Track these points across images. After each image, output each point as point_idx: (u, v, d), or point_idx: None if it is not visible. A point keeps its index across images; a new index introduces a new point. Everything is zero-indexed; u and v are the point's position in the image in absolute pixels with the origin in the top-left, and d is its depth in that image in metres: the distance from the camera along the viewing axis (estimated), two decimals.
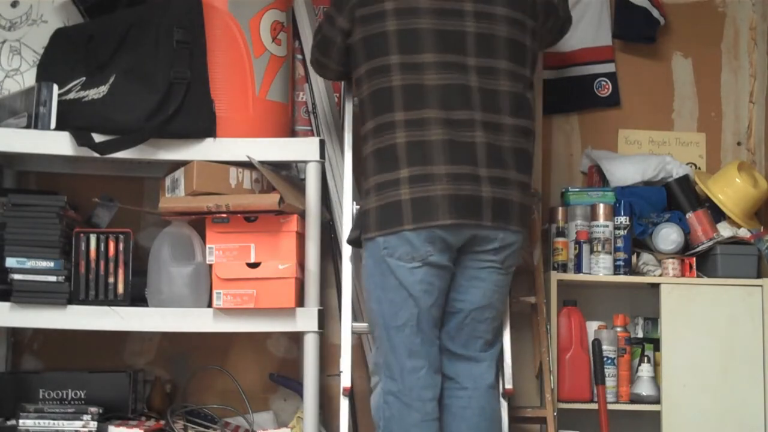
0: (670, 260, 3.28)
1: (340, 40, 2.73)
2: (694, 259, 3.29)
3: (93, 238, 2.88)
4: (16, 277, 2.80)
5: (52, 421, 2.82)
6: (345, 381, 2.79)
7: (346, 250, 2.90)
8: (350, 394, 3.08)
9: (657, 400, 3.23)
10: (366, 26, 2.65)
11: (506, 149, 2.63)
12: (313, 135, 3.28)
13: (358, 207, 2.78)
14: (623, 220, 3.29)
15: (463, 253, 2.63)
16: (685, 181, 3.40)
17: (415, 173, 2.55)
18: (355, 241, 2.72)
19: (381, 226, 2.59)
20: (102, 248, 2.87)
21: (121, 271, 2.88)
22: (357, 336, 3.23)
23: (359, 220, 2.70)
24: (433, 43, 2.60)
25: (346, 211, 2.92)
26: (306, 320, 2.85)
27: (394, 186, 2.57)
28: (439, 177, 2.55)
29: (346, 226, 2.89)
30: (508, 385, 2.93)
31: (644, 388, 3.26)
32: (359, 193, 2.84)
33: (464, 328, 2.68)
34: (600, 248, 3.28)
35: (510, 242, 2.65)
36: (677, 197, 3.38)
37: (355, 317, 2.93)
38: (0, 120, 2.91)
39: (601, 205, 3.31)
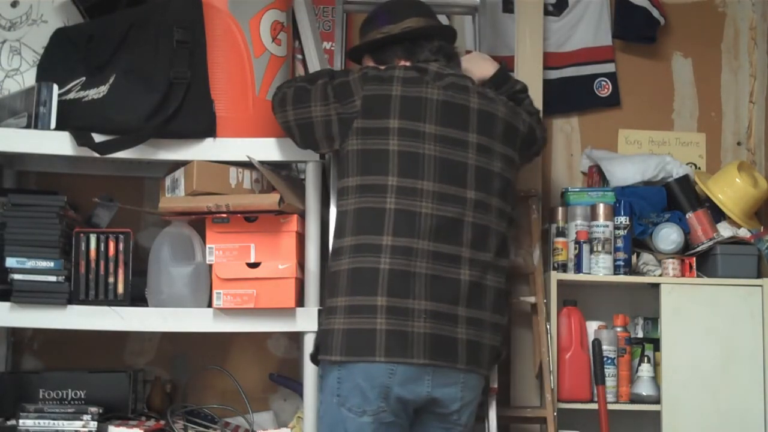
0: (670, 260, 3.28)
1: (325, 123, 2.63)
2: (694, 259, 3.29)
3: (93, 238, 2.88)
4: (16, 277, 2.80)
5: (52, 421, 2.82)
6: None
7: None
8: None
9: (657, 400, 3.23)
10: (365, 139, 2.57)
11: (488, 288, 2.58)
12: None
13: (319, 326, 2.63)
14: (623, 220, 3.29)
15: (423, 413, 2.55)
16: (685, 181, 3.40)
17: (394, 304, 2.47)
18: (314, 359, 2.61)
19: (349, 352, 2.47)
20: (102, 248, 2.87)
21: (121, 271, 2.88)
22: None
23: (318, 339, 2.58)
24: (435, 170, 2.55)
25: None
26: (306, 320, 2.85)
27: (370, 313, 2.46)
28: (419, 312, 2.47)
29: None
30: (494, 384, 2.94)
31: (644, 388, 3.26)
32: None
33: None
34: (600, 248, 3.28)
35: (470, 399, 2.58)
36: (677, 197, 3.38)
37: None
38: (0, 120, 2.91)
39: (601, 205, 3.31)
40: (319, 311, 2.87)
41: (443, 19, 3.48)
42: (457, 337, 2.51)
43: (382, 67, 2.68)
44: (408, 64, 2.71)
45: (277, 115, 2.75)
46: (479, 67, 2.89)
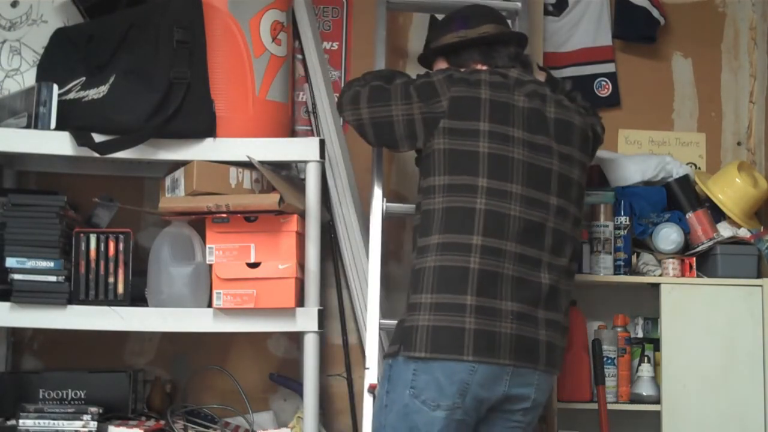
0: (670, 260, 3.28)
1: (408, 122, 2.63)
2: (694, 259, 3.29)
3: (93, 238, 2.88)
4: (16, 277, 2.80)
5: (52, 421, 2.82)
6: (371, 377, 2.77)
7: (375, 245, 2.88)
8: (351, 394, 3.08)
9: (657, 400, 3.23)
10: (454, 139, 2.57)
11: (562, 292, 2.60)
12: (313, 135, 3.28)
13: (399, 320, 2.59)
14: (623, 220, 3.29)
15: (492, 412, 2.55)
16: (685, 181, 3.40)
17: (483, 304, 2.47)
18: (393, 354, 2.55)
19: (434, 349, 2.46)
20: (102, 248, 2.87)
21: (121, 271, 2.88)
22: (356, 335, 3.23)
23: (401, 335, 2.53)
24: (523, 175, 2.56)
25: (375, 210, 2.90)
26: (306, 320, 2.85)
27: (458, 311, 2.46)
28: (506, 313, 2.49)
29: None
30: None
31: (644, 388, 3.26)
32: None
33: None
34: (600, 248, 3.28)
35: (540, 402, 2.59)
36: (677, 197, 3.38)
37: (355, 318, 2.92)
38: (0, 120, 2.91)
39: (601, 205, 3.31)
40: (320, 311, 2.87)
41: None
42: (539, 339, 2.53)
43: (463, 70, 2.67)
44: (485, 68, 2.70)
45: (347, 112, 2.74)
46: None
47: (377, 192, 2.93)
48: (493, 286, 2.49)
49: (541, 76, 2.85)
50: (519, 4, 3.22)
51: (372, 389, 2.75)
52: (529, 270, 2.53)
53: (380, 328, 2.84)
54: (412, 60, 3.32)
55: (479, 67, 2.71)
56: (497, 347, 2.46)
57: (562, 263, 2.60)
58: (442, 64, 2.79)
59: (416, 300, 2.51)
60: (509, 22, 3.32)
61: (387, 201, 2.94)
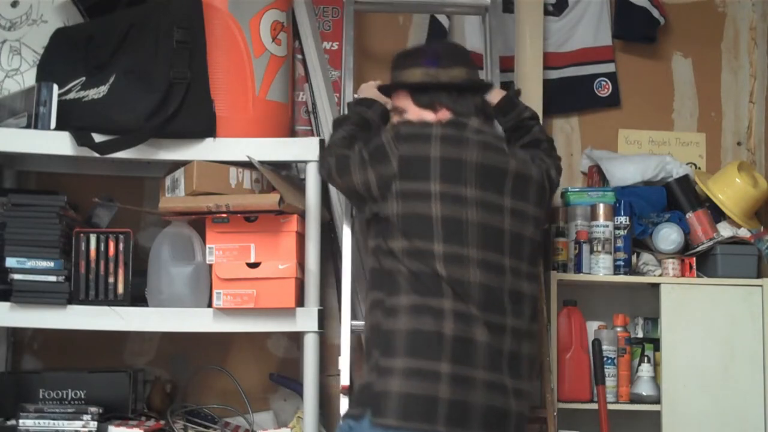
0: (670, 260, 3.28)
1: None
2: (694, 259, 3.29)
3: (93, 238, 2.88)
4: (16, 277, 2.80)
5: (52, 421, 2.82)
6: (344, 380, 2.78)
7: (346, 250, 2.90)
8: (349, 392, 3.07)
9: (657, 400, 3.23)
10: (406, 202, 2.47)
11: (524, 357, 2.51)
12: (313, 135, 3.29)
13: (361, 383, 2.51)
14: (623, 220, 3.29)
15: None
16: (685, 181, 3.40)
17: (458, 372, 2.36)
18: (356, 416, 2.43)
19: (407, 417, 2.33)
20: (102, 248, 2.87)
21: (121, 271, 2.88)
22: (356, 336, 3.23)
23: (369, 399, 2.41)
24: (478, 237, 2.46)
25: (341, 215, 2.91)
26: (306, 320, 2.85)
27: (433, 379, 2.35)
28: (479, 382, 2.38)
29: (345, 228, 2.90)
30: None
31: (644, 388, 3.26)
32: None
33: None
34: (600, 248, 3.28)
35: None
36: (677, 197, 3.38)
37: (354, 316, 2.92)
38: (0, 120, 2.91)
39: (601, 205, 3.31)
40: (320, 311, 2.87)
41: (444, 19, 3.50)
42: (509, 409, 2.43)
43: (415, 120, 2.59)
44: (448, 113, 2.61)
45: (332, 184, 2.76)
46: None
47: (343, 202, 2.91)
48: (466, 354, 2.39)
49: (497, 95, 2.77)
50: (489, 0, 3.21)
51: (345, 391, 2.74)
52: (495, 336, 2.44)
53: (351, 330, 2.84)
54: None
55: (442, 110, 2.62)
56: (469, 418, 2.37)
57: (521, 325, 2.51)
58: (403, 98, 2.67)
59: (388, 364, 2.39)
60: (479, 18, 3.32)
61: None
